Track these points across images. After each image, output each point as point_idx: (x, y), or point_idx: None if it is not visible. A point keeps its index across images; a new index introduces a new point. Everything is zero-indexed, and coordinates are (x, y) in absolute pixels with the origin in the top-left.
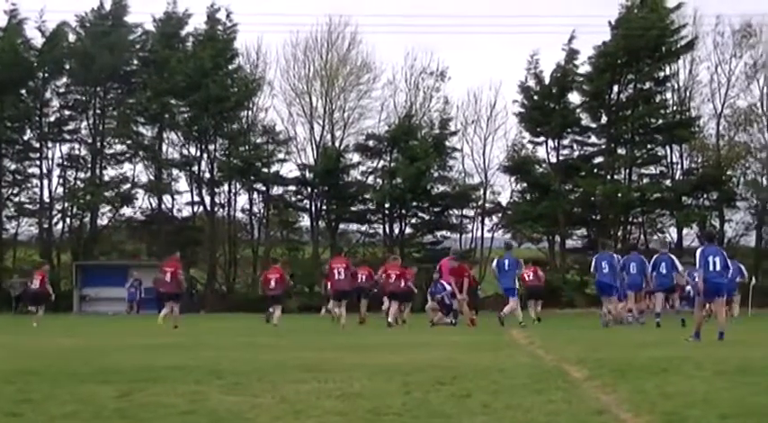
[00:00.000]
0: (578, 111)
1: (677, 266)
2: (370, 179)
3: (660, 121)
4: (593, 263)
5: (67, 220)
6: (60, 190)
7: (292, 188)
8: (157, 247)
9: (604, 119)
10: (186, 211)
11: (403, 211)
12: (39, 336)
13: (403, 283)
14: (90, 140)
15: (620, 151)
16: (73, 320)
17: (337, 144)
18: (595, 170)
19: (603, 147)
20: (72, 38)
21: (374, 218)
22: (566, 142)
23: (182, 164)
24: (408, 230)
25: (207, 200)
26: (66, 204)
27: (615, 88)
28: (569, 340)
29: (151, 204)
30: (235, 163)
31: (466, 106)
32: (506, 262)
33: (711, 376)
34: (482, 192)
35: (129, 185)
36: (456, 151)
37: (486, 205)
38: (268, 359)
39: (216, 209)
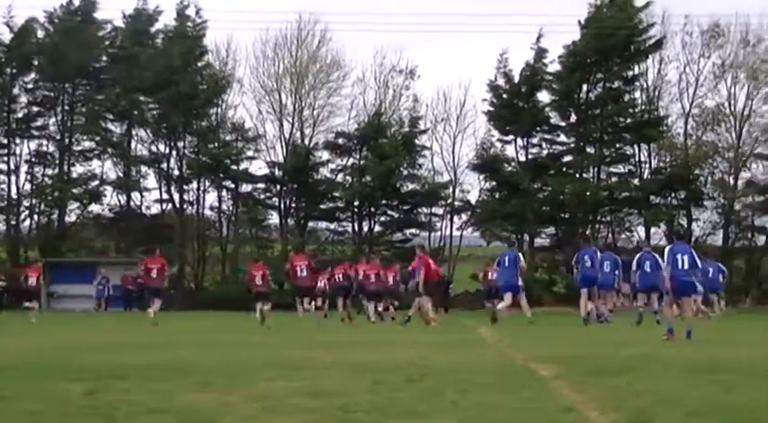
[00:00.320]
0: (547, 109)
1: (661, 265)
2: (340, 177)
3: (629, 121)
4: (575, 258)
5: (35, 216)
6: (28, 186)
7: (261, 186)
8: (126, 244)
9: (573, 118)
10: (155, 209)
11: (372, 209)
12: (8, 334)
13: (391, 281)
14: (58, 137)
15: (589, 150)
16: (42, 318)
17: (307, 142)
18: (564, 169)
19: (572, 145)
20: (41, 34)
21: (343, 216)
22: (535, 141)
23: (151, 161)
24: (377, 228)
25: (176, 197)
26: (33, 201)
27: (584, 87)
28: (538, 339)
29: (120, 201)
30: (204, 160)
31: (435, 104)
32: (506, 258)
33: (680, 375)
34: (451, 190)
35: (97, 182)
36: (425, 149)
37: (456, 203)
38: (238, 357)
39: (185, 206)
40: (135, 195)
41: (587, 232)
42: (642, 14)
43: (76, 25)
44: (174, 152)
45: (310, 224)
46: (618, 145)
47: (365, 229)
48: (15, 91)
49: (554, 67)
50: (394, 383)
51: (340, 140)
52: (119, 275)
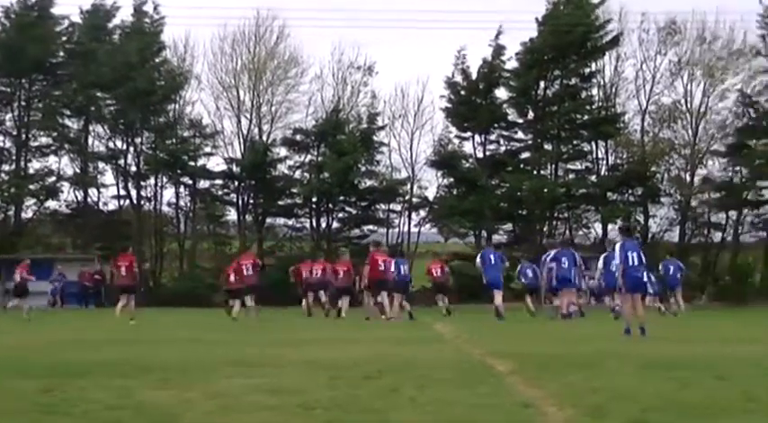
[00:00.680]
0: (505, 106)
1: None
2: (298, 173)
3: (586, 118)
4: (550, 257)
5: None
6: None
7: (219, 182)
8: (83, 240)
9: (531, 114)
10: (112, 205)
11: (330, 206)
12: None
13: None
14: (15, 133)
15: (547, 147)
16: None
17: (265, 138)
18: (522, 165)
19: (530, 142)
20: None
21: (301, 212)
22: (492, 137)
23: (108, 157)
24: (335, 225)
25: (133, 193)
26: None
27: (542, 84)
28: (495, 335)
29: (77, 197)
30: (161, 156)
31: (393, 101)
32: (491, 257)
33: (636, 371)
34: (409, 186)
35: (54, 178)
36: (383, 146)
37: (413, 200)
38: (197, 354)
39: (142, 202)
40: (92, 191)
41: (544, 229)
42: (599, 11)
43: (33, 20)
44: (131, 148)
45: (268, 220)
46: (575, 142)
47: (323, 225)
48: None
49: (512, 64)
50: (352, 380)
51: (298, 137)
52: (76, 272)
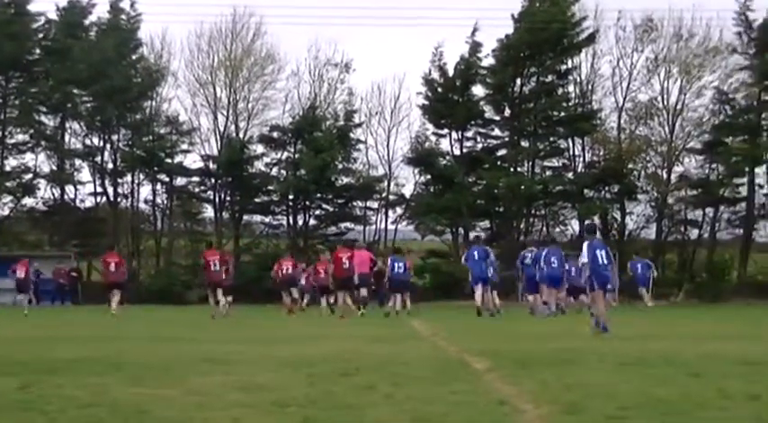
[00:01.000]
0: (482, 103)
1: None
2: (275, 170)
3: (562, 114)
4: (542, 257)
5: None
6: None
7: (196, 179)
8: (59, 237)
9: (508, 111)
10: (89, 202)
11: (307, 203)
12: None
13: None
14: None
15: (524, 144)
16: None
17: (241, 135)
18: (499, 162)
19: (507, 139)
20: None
21: (278, 209)
22: (469, 134)
23: (84, 154)
24: (312, 222)
25: (110, 190)
26: None
27: (518, 81)
28: (472, 332)
29: (53, 195)
30: (138, 153)
31: (370, 98)
32: (475, 253)
33: (612, 368)
34: (386, 184)
35: (30, 175)
36: (360, 143)
37: (390, 197)
38: (172, 351)
39: (119, 199)
40: (69, 189)
41: (521, 226)
42: (574, 8)
43: (9, 17)
44: (107, 145)
45: (245, 217)
46: (552, 139)
47: (300, 222)
48: None
49: (488, 61)
50: (328, 377)
51: (275, 134)
52: (51, 269)
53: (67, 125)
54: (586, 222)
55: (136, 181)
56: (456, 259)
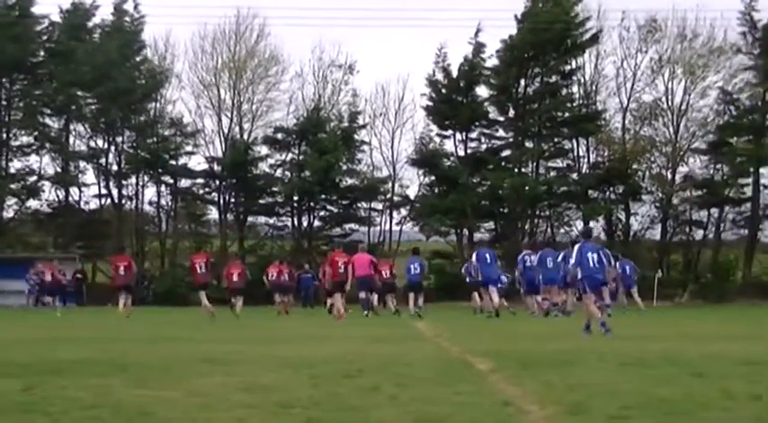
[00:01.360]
0: (486, 104)
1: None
2: (279, 172)
3: (566, 115)
4: (537, 258)
5: None
6: None
7: (200, 181)
8: (64, 239)
9: (512, 112)
10: (93, 204)
11: (311, 204)
12: None
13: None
14: None
15: (528, 144)
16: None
17: (245, 137)
18: (503, 163)
19: (511, 140)
20: None
21: (282, 211)
22: (473, 135)
23: (89, 156)
24: (317, 223)
25: (114, 192)
26: None
27: (522, 82)
28: (475, 333)
29: (58, 197)
30: (142, 155)
31: (374, 99)
32: (487, 255)
33: (614, 368)
34: (390, 185)
35: (35, 178)
36: (364, 144)
37: (395, 198)
38: (175, 352)
39: (123, 201)
40: (73, 191)
41: (526, 227)
42: (578, 8)
43: (13, 20)
44: (112, 147)
45: (249, 219)
46: (556, 139)
47: (304, 224)
48: None
49: (492, 61)
50: (331, 378)
51: (279, 135)
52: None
53: (72, 127)
54: (583, 227)
55: (140, 183)
56: (460, 260)
